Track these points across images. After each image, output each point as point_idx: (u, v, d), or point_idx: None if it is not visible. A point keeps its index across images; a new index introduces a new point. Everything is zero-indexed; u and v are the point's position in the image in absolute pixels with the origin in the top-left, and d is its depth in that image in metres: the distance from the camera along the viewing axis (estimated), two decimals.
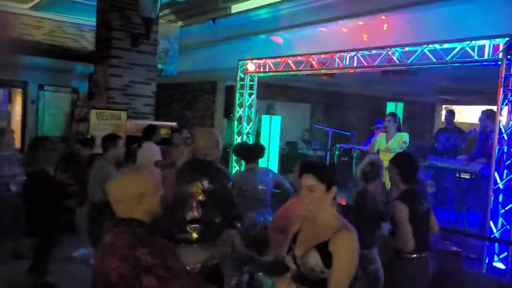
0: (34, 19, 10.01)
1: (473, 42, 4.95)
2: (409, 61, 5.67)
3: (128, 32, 7.09)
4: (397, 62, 5.83)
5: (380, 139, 6.69)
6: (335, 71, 6.93)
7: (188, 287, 1.74)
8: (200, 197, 2.83)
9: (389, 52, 5.88)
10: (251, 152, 4.53)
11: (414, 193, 3.25)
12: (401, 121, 6.77)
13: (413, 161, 3.34)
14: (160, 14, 8.78)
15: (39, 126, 9.80)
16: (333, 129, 9.82)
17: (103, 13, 7.30)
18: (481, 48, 4.92)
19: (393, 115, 6.76)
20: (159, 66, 8.70)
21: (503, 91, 4.65)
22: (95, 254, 1.85)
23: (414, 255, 3.09)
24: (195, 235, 2.80)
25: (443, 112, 15.12)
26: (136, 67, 7.23)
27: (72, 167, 5.49)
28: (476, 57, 4.95)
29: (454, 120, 8.42)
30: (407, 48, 5.74)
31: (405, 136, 6.37)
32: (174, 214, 2.83)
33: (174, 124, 7.19)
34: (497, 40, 4.76)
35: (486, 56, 4.87)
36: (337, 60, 6.65)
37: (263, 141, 9.50)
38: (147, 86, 7.37)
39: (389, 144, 6.45)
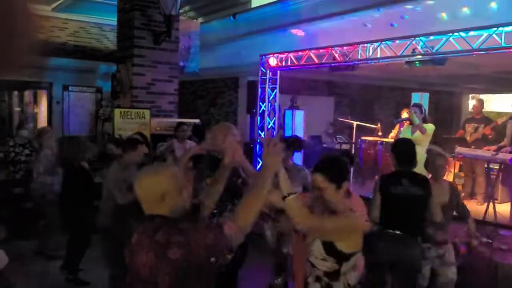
0: (59, 21, 10.25)
1: (500, 28, 4.81)
2: (434, 50, 5.56)
3: (149, 30, 7.16)
4: (422, 51, 5.72)
5: (405, 131, 6.58)
6: (358, 63, 6.84)
7: (208, 234, 1.77)
8: None
9: (413, 42, 5.78)
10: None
11: (401, 175, 3.55)
12: (426, 112, 6.63)
13: (407, 147, 3.73)
14: (181, 11, 8.84)
15: (65, 127, 10.04)
16: (357, 122, 9.70)
17: (123, 12, 7.40)
18: (509, 34, 4.78)
19: (418, 105, 6.62)
20: (181, 63, 8.77)
21: None
22: (126, 254, 1.89)
23: (376, 227, 3.37)
24: None
25: (470, 101, 14.78)
26: (158, 65, 7.30)
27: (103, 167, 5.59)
28: (503, 44, 4.81)
29: (482, 109, 8.21)
30: (431, 37, 5.62)
31: (430, 128, 6.22)
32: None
33: (197, 121, 7.25)
34: None
35: None
36: (360, 51, 6.57)
37: (287, 135, 9.50)
38: (170, 83, 7.44)
39: (415, 135, 6.32)
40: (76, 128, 9.96)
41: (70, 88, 10.20)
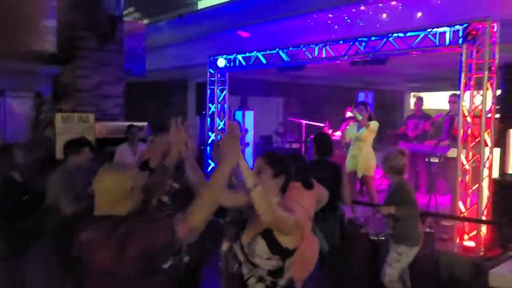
0: None
1: (435, 29, 5.08)
2: (375, 50, 5.78)
3: (92, 31, 6.95)
4: (364, 52, 5.94)
5: (351, 129, 6.83)
6: (304, 63, 6.99)
7: (164, 230, 1.81)
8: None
9: (356, 43, 5.98)
10: None
11: (318, 163, 4.19)
12: (371, 110, 6.91)
13: (325, 139, 4.48)
14: (125, 12, 8.66)
15: (1, 134, 9.47)
16: (306, 121, 9.92)
17: (64, 12, 7.13)
18: (442, 35, 5.06)
19: (364, 104, 6.89)
20: (127, 65, 8.56)
21: (465, 76, 4.80)
22: (75, 251, 1.89)
23: None
24: None
25: (412, 99, 15.47)
26: (104, 66, 7.10)
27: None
28: (437, 44, 5.09)
29: (422, 107, 8.62)
30: (372, 38, 5.84)
31: (373, 125, 6.49)
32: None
33: (145, 124, 7.11)
34: (457, 26, 4.90)
35: (447, 43, 5.01)
36: (306, 52, 6.72)
37: None
38: (115, 86, 7.26)
39: (359, 133, 6.57)
40: (13, 136, 9.42)
41: (5, 93, 9.63)
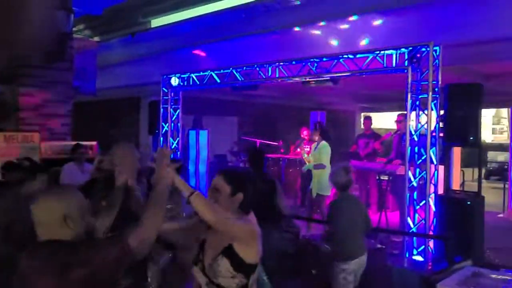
0: None
1: (382, 52, 5.30)
2: (326, 71, 5.94)
3: (39, 48, 6.70)
4: (316, 72, 6.09)
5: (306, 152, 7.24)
6: (258, 83, 7.06)
7: (119, 252, 1.77)
8: None
9: (308, 63, 6.13)
10: None
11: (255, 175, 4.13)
12: (326, 130, 7.06)
13: (256, 153, 4.59)
14: (75, 29, 8.44)
15: None
16: (260, 140, 9.98)
17: (8, 29, 6.83)
18: (390, 57, 5.29)
19: (317, 123, 7.05)
20: (76, 83, 8.31)
21: (411, 97, 5.02)
22: (16, 280, 1.78)
23: None
24: None
25: (362, 119, 15.98)
26: (51, 85, 6.84)
27: None
28: (385, 66, 5.31)
29: (372, 126, 8.91)
30: (324, 59, 6.01)
31: (325, 145, 6.67)
32: None
33: (94, 143, 6.89)
34: (402, 49, 5.14)
35: (394, 65, 5.24)
36: (259, 72, 6.80)
37: (191, 155, 9.42)
38: (63, 104, 7.00)
39: (315, 152, 6.73)
40: None
41: None
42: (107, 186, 2.72)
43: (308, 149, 7.26)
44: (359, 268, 3.92)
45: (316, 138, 6.70)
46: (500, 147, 18.40)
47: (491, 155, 16.06)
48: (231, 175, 2.23)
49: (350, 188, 4.06)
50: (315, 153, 6.73)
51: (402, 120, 6.72)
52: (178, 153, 8.44)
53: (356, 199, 4.24)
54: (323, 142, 6.65)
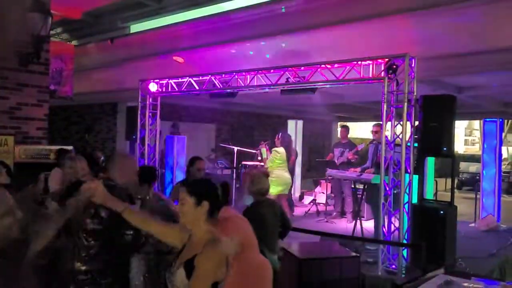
0: None
1: (359, 62, 5.40)
2: (304, 80, 6.01)
3: (14, 50, 6.55)
4: (294, 81, 6.15)
5: (262, 152, 8.33)
6: (236, 91, 7.09)
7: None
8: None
9: (287, 72, 6.19)
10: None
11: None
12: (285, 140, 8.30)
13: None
14: (53, 32, 8.30)
15: None
16: (238, 147, 9.99)
17: None
18: (366, 67, 5.39)
19: (280, 134, 8.24)
20: (52, 86, 8.14)
21: (386, 107, 5.13)
22: None
23: None
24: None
25: (338, 128, 16.17)
26: (25, 88, 6.68)
27: None
28: (362, 76, 5.40)
29: (348, 135, 9.04)
30: (302, 68, 6.08)
31: (280, 151, 7.82)
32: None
33: (70, 148, 6.75)
34: (379, 60, 5.24)
35: (370, 75, 5.34)
36: (238, 79, 6.82)
37: (169, 161, 9.36)
38: (38, 108, 6.83)
39: (272, 157, 7.82)
40: None
41: None
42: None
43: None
44: None
45: (279, 145, 7.93)
46: (472, 158, 18.90)
47: (463, 165, 16.48)
48: (192, 188, 2.24)
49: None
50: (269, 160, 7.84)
51: (378, 131, 6.85)
52: (156, 159, 8.37)
53: (271, 201, 4.17)
54: (275, 148, 7.90)
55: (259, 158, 8.49)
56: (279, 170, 7.66)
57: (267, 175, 4.08)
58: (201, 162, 4.69)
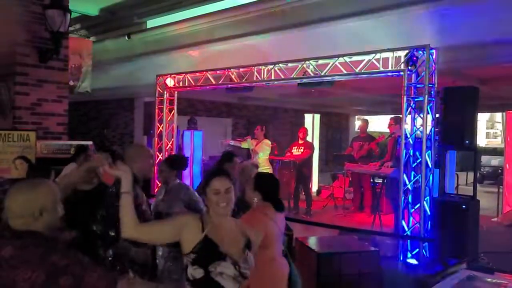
0: None
1: (378, 54, 5.31)
2: (322, 73, 5.94)
3: (34, 47, 6.65)
4: (311, 74, 6.09)
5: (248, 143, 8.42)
6: (254, 85, 7.06)
7: (103, 278, 1.81)
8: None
9: (304, 65, 6.13)
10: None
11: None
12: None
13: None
14: (71, 28, 8.39)
15: None
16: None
17: (2, 27, 6.77)
18: (386, 60, 5.30)
19: (262, 126, 8.42)
20: (71, 82, 8.24)
21: (406, 100, 5.04)
22: None
23: None
24: None
25: (357, 122, 16.02)
26: (45, 84, 6.77)
27: None
28: (381, 69, 5.31)
29: (367, 129, 8.95)
30: (320, 61, 6.01)
31: (264, 142, 8.08)
32: None
33: (90, 143, 6.84)
34: (399, 52, 5.15)
35: (390, 68, 5.25)
36: (255, 73, 6.79)
37: (186, 156, 9.40)
38: (58, 104, 6.92)
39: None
40: None
41: None
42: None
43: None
44: None
45: (261, 137, 8.17)
46: (493, 151, 18.53)
47: (484, 159, 16.18)
48: (229, 176, 2.29)
49: None
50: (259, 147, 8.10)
51: (394, 124, 6.77)
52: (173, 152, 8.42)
53: None
54: (265, 140, 8.16)
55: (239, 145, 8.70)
56: (268, 162, 8.02)
57: (256, 166, 4.13)
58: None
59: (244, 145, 8.55)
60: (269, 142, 8.21)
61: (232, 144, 9.17)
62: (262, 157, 7.88)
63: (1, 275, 1.74)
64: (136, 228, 2.18)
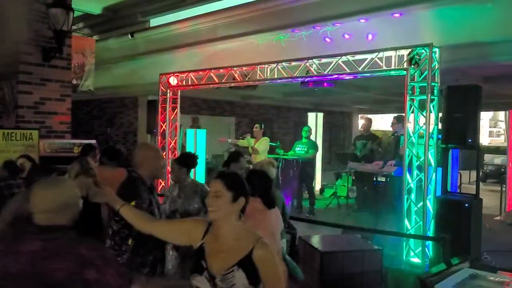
0: None
1: (381, 53, 5.31)
2: (325, 72, 5.94)
3: (37, 46, 6.67)
4: (315, 73, 6.09)
5: (248, 141, 8.42)
6: (256, 83, 7.06)
7: (120, 272, 1.90)
8: None
9: (307, 64, 6.13)
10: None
11: None
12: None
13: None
14: (74, 27, 8.41)
15: None
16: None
17: (4, 26, 6.78)
18: (388, 59, 5.29)
19: (259, 123, 8.47)
20: (74, 81, 8.26)
21: (409, 98, 5.03)
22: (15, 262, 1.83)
23: None
24: None
25: (360, 120, 15.99)
26: (48, 83, 6.79)
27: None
28: (384, 67, 5.31)
29: (370, 128, 8.93)
30: (323, 60, 6.01)
31: (263, 139, 8.20)
32: None
33: (93, 141, 6.86)
34: (402, 51, 5.14)
35: (393, 66, 5.24)
36: (258, 72, 6.79)
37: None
38: (61, 102, 6.94)
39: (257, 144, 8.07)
40: None
41: None
42: None
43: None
44: None
45: (260, 135, 8.27)
46: (496, 150, 18.48)
47: (487, 157, 16.13)
48: (231, 181, 2.11)
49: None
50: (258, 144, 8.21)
51: (395, 122, 6.77)
52: (176, 153, 8.43)
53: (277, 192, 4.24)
54: (264, 138, 8.27)
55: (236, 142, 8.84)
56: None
57: (274, 164, 4.13)
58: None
59: (243, 143, 8.53)
60: (268, 139, 8.28)
61: (229, 142, 9.31)
62: (262, 156, 7.87)
63: (36, 267, 1.80)
64: (150, 226, 2.34)
